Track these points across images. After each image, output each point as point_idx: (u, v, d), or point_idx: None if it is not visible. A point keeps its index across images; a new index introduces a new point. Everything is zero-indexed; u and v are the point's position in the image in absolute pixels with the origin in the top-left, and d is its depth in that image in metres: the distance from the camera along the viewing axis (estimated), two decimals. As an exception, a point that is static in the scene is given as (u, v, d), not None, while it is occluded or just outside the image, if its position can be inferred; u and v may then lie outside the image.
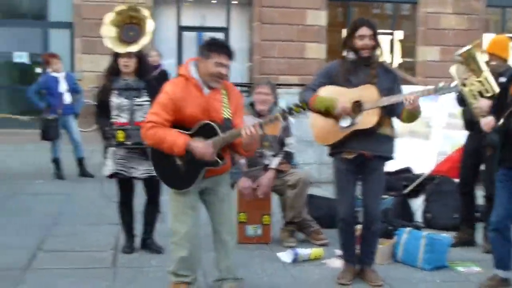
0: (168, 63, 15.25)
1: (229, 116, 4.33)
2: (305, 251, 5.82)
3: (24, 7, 16.33)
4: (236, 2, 16.50)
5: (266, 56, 15.81)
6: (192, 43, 16.18)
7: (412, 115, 4.82)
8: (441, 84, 4.71)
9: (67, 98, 9.74)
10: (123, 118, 5.64)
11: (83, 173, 9.88)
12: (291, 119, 4.27)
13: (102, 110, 5.76)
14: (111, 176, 5.80)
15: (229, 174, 4.71)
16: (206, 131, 4.26)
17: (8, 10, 16.27)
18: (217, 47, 4.26)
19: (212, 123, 4.25)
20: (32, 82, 15.79)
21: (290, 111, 4.18)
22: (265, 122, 4.23)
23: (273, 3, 15.82)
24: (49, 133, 9.51)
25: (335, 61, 5.17)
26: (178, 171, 4.36)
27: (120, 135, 5.55)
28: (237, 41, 16.20)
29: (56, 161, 9.83)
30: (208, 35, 16.41)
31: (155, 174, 5.44)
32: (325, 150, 5.25)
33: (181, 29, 16.04)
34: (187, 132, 4.28)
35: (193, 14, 16.39)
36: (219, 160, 4.28)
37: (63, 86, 9.68)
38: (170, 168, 4.39)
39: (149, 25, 5.81)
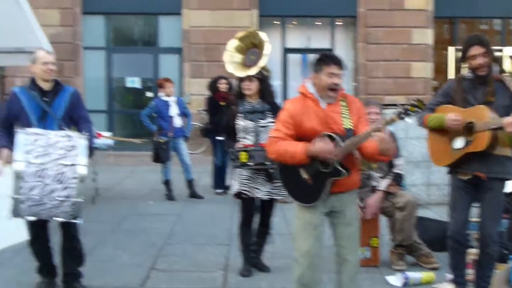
0: (274, 85, 15.50)
1: (350, 126, 4.32)
2: (416, 275, 5.72)
3: (137, 34, 17.02)
4: (340, 23, 16.49)
5: (372, 76, 15.68)
6: (297, 65, 16.33)
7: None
8: None
9: (178, 122, 10.01)
10: (248, 140, 5.85)
11: (193, 194, 10.10)
12: (408, 120, 4.16)
13: (229, 133, 6.01)
14: (236, 196, 5.96)
15: (356, 194, 4.68)
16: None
17: (122, 38, 17.02)
18: (326, 59, 4.31)
19: (331, 134, 4.25)
20: (143, 106, 16.50)
21: (406, 111, 4.05)
22: (382, 125, 4.13)
23: (378, 23, 15.70)
24: (161, 155, 9.81)
25: (452, 80, 5.11)
26: (305, 185, 4.40)
27: (243, 156, 5.74)
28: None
29: (167, 183, 10.10)
30: (312, 57, 16.58)
31: (275, 196, 5.56)
32: (433, 171, 5.16)
33: (286, 51, 16.21)
34: None
35: (297, 35, 16.52)
36: (341, 169, 4.25)
37: (174, 110, 9.97)
38: (296, 182, 4.44)
39: (267, 48, 5.98)
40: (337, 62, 4.30)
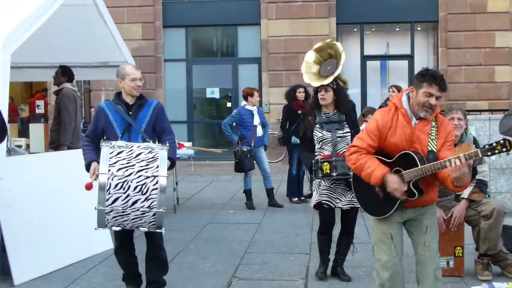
0: (352, 93, 15.42)
1: (433, 149, 4.26)
2: (502, 285, 5.55)
3: (216, 46, 17.32)
4: (420, 28, 16.25)
5: (453, 81, 15.36)
6: (376, 72, 16.19)
7: None
8: None
9: (259, 131, 10.09)
10: (326, 151, 5.87)
11: (272, 203, 10.16)
12: (492, 158, 4.05)
13: (307, 144, 6.06)
14: (316, 206, 6.00)
15: (435, 205, 4.62)
16: (405, 161, 4.24)
17: (201, 49, 17.37)
18: (429, 77, 4.21)
19: (412, 153, 4.22)
20: (223, 116, 16.75)
21: (492, 150, 3.92)
22: (469, 156, 4.00)
23: (459, 27, 15.40)
24: (245, 164, 9.89)
25: None
26: (377, 198, 4.39)
27: (326, 167, 5.75)
28: (422, 67, 15.88)
29: (248, 192, 10.19)
30: (392, 63, 16.41)
31: (357, 205, 5.57)
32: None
33: (365, 58, 16.11)
34: (387, 160, 4.32)
35: (376, 42, 16.41)
36: (415, 192, 4.23)
37: (256, 119, 10.06)
38: (369, 194, 4.44)
39: (343, 58, 6.01)
40: (439, 83, 4.20)
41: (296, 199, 10.49)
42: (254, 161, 10.10)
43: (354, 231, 6.13)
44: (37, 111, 17.78)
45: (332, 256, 6.16)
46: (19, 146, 12.77)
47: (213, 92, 16.61)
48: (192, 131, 16.55)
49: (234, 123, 10.25)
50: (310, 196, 10.24)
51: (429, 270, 4.42)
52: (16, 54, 7.33)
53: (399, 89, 10.71)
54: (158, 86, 16.35)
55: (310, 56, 6.17)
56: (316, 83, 5.96)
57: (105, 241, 7.05)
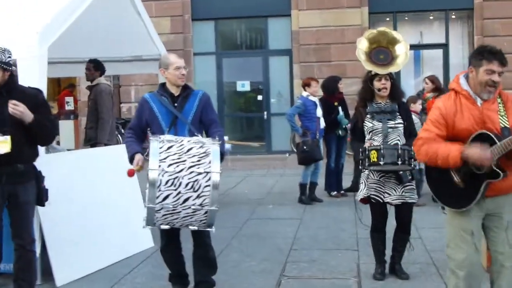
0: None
1: (506, 125, 4.00)
2: None
3: (246, 38, 17.05)
4: (454, 16, 15.84)
5: (490, 70, 14.91)
6: (409, 62, 15.71)
7: None
8: None
9: (322, 123, 9.76)
10: (376, 142, 5.60)
11: (313, 197, 9.88)
12: None
13: (357, 135, 5.81)
14: (364, 200, 5.72)
15: None
16: (481, 142, 3.96)
17: (231, 42, 17.10)
18: (487, 54, 4.00)
19: (487, 132, 3.96)
20: (254, 109, 16.51)
21: None
22: None
23: (495, 14, 14.93)
24: (314, 154, 9.50)
25: None
26: (456, 188, 4.11)
27: (373, 155, 5.47)
28: (457, 57, 15.58)
29: (304, 186, 9.80)
30: (426, 52, 16.02)
31: (408, 200, 5.29)
32: None
33: (398, 48, 15.71)
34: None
35: (410, 31, 15.99)
36: (499, 171, 3.93)
37: (319, 111, 9.72)
38: (447, 185, 4.15)
39: (400, 46, 5.79)
40: (499, 58, 3.99)
41: (335, 192, 10.20)
42: None
43: (410, 227, 5.82)
44: (67, 107, 17.65)
45: (388, 252, 5.87)
46: (49, 143, 12.65)
47: (243, 86, 16.32)
48: (223, 125, 16.27)
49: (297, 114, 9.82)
50: (349, 189, 10.01)
51: (510, 270, 4.12)
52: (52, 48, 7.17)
53: (433, 80, 10.32)
54: (188, 80, 15.93)
55: (363, 44, 5.88)
56: (383, 71, 5.66)
57: (146, 239, 6.85)
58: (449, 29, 15.69)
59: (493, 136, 3.92)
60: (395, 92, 5.76)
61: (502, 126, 4.00)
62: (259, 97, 16.23)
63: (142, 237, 6.70)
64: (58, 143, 15.11)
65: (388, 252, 5.87)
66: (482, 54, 4.02)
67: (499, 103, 4.08)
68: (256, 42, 16.91)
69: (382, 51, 5.81)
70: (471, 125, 4.03)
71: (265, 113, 15.98)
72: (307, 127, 9.62)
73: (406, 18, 16.18)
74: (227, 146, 10.19)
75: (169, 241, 5.18)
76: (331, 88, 10.09)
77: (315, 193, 9.91)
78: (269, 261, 6.44)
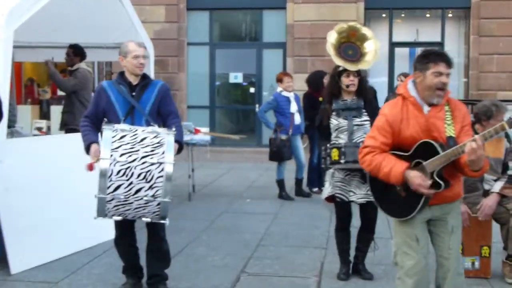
0: (380, 82, 14.94)
1: (452, 134, 3.90)
2: (531, 290, 5.16)
3: (240, 30, 16.89)
4: (451, 15, 15.67)
5: (484, 70, 14.75)
6: (404, 59, 15.63)
7: None
8: None
9: (297, 119, 9.64)
10: (342, 139, 5.50)
11: (300, 192, 9.77)
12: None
13: (323, 133, 5.68)
14: (329, 199, 5.63)
15: (460, 202, 4.24)
16: (425, 151, 3.88)
17: (226, 33, 16.96)
18: (433, 56, 3.89)
19: (431, 141, 3.85)
20: (246, 102, 16.38)
21: None
22: (489, 133, 3.65)
23: (492, 14, 14.75)
24: (283, 154, 9.41)
25: None
26: (398, 197, 4.02)
27: (335, 153, 5.38)
28: (453, 56, 15.02)
29: (280, 182, 9.72)
30: (421, 50, 15.85)
31: (373, 199, 5.20)
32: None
33: (393, 45, 15.56)
34: (405, 154, 3.96)
35: (405, 29, 15.85)
36: (441, 183, 3.84)
37: (294, 107, 9.61)
38: (389, 194, 4.07)
39: (370, 43, 5.66)
40: (445, 59, 3.89)
41: (317, 189, 10.08)
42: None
43: (374, 227, 5.72)
44: (58, 93, 17.54)
45: (352, 252, 5.79)
46: (40, 128, 12.55)
47: (236, 77, 16.18)
48: (214, 116, 16.18)
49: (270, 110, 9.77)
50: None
51: (453, 275, 4.02)
52: (29, 32, 7.05)
53: (406, 77, 10.18)
54: (181, 70, 15.99)
55: (333, 38, 5.73)
56: (352, 67, 5.53)
57: (109, 230, 6.72)
58: (445, 27, 15.50)
59: (436, 146, 3.83)
60: (362, 89, 5.64)
61: (448, 135, 3.90)
62: (252, 90, 16.09)
63: (106, 227, 6.58)
64: (49, 128, 15.05)
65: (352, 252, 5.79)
66: (427, 57, 3.92)
67: (447, 111, 3.98)
68: (251, 34, 16.75)
69: (351, 46, 5.67)
70: (416, 132, 3.93)
71: (257, 105, 15.82)
72: (281, 123, 9.50)
73: (403, 15, 15.99)
74: (207, 137, 10.05)
75: (123, 233, 5.09)
76: (316, 83, 9.96)
77: (302, 188, 9.81)
78: (233, 256, 6.34)
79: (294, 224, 7.86)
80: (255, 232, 7.36)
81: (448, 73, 3.88)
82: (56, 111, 16.34)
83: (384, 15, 15.73)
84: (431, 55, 3.90)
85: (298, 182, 9.86)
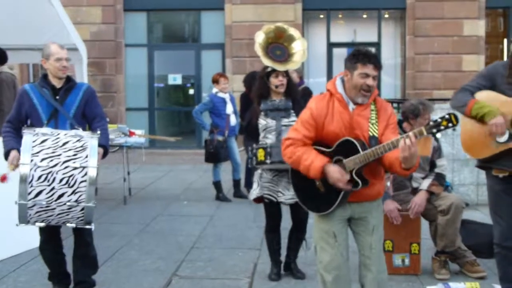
0: (318, 82, 15.04)
1: (375, 134, 3.92)
2: (458, 285, 5.28)
3: (179, 31, 16.80)
4: (387, 16, 15.92)
5: (420, 70, 15.07)
6: (342, 60, 15.73)
7: None
8: None
9: (233, 120, 9.58)
10: (269, 140, 5.47)
11: (239, 194, 9.73)
12: (438, 135, 3.70)
13: (251, 133, 5.66)
14: (257, 200, 5.60)
15: (381, 201, 4.26)
16: (346, 148, 3.90)
17: (164, 34, 16.85)
18: (362, 57, 3.89)
19: (353, 140, 3.88)
20: (185, 103, 16.27)
21: (437, 126, 3.61)
22: (419, 132, 3.66)
23: (427, 15, 15.08)
24: (219, 155, 9.35)
25: (500, 63, 4.58)
26: (318, 193, 4.04)
27: (261, 154, 5.36)
28: (389, 56, 15.68)
29: (217, 184, 9.67)
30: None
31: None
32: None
33: (331, 45, 15.72)
34: (327, 150, 3.97)
35: (343, 29, 16.06)
36: (358, 181, 3.87)
37: (229, 108, 9.56)
38: (309, 189, 4.08)
39: (297, 44, 5.63)
40: (374, 61, 3.88)
41: (253, 189, 10.06)
42: None
43: (305, 227, 5.72)
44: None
45: (283, 252, 5.79)
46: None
47: (175, 79, 16.07)
48: (154, 119, 16.03)
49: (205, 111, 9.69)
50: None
51: (375, 274, 4.05)
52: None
53: None
54: (118, 72, 15.78)
55: (261, 38, 5.71)
56: (281, 67, 5.51)
57: (36, 236, 6.56)
58: (382, 28, 15.78)
59: (356, 144, 3.85)
60: (291, 89, 5.64)
61: (371, 135, 3.92)
62: (191, 91, 16.03)
63: (34, 233, 6.42)
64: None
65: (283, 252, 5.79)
66: (356, 57, 3.91)
67: (372, 110, 4.00)
68: (189, 35, 16.69)
69: (278, 47, 5.67)
70: (339, 129, 3.94)
71: (196, 107, 15.75)
72: (217, 124, 9.46)
73: (340, 15, 16.19)
74: (142, 140, 9.93)
75: (48, 238, 4.96)
76: (251, 83, 9.93)
77: (240, 189, 9.78)
78: (165, 259, 6.26)
79: (230, 225, 7.83)
80: (189, 235, 7.29)
81: (375, 75, 3.89)
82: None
83: (322, 16, 15.88)
84: (360, 55, 3.90)
85: (236, 183, 9.84)
